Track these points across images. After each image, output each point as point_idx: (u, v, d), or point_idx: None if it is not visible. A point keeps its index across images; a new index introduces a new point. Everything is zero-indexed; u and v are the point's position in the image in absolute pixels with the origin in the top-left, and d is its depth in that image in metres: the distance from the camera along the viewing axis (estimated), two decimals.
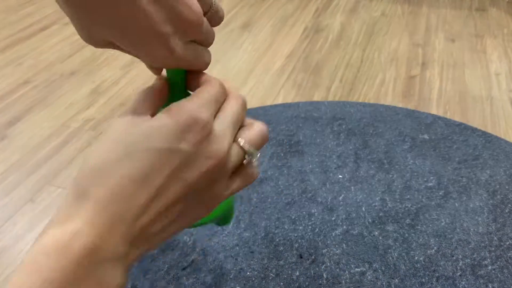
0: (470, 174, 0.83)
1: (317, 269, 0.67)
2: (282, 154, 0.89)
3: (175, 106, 0.26)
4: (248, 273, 0.67)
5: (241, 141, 0.29)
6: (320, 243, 0.71)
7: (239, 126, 0.30)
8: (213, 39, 0.30)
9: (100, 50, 1.33)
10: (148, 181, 0.24)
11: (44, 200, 0.83)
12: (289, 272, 0.67)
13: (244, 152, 0.29)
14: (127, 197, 0.24)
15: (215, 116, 0.28)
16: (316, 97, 1.09)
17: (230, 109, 0.29)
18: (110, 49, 1.23)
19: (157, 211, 0.25)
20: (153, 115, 0.27)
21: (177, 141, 0.25)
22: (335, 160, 0.87)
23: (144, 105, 0.28)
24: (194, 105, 0.26)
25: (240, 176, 0.29)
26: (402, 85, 1.13)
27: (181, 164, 0.25)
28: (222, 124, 0.27)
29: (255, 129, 0.30)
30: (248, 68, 1.23)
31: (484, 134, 0.93)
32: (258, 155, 0.31)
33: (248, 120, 0.31)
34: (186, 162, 0.25)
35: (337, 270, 0.67)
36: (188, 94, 0.30)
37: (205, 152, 0.26)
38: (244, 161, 0.29)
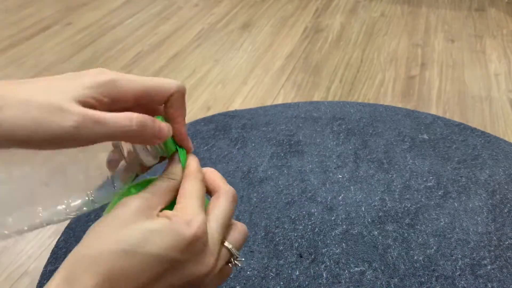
0: (469, 174, 0.83)
1: (316, 268, 0.67)
2: (282, 154, 0.89)
3: (179, 216, 0.27)
4: (248, 272, 0.67)
5: (229, 245, 0.30)
6: (320, 242, 0.71)
7: (230, 223, 0.31)
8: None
9: (100, 50, 1.33)
10: (137, 279, 0.25)
11: None
12: (289, 271, 0.67)
13: (231, 255, 0.30)
14: None
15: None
16: (316, 97, 1.10)
17: (222, 212, 0.30)
18: (111, 50, 1.23)
19: None
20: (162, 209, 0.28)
21: (178, 252, 0.26)
22: (334, 160, 0.87)
23: (155, 199, 0.28)
24: (188, 214, 0.27)
25: (219, 274, 0.30)
26: (401, 85, 1.14)
27: (173, 270, 0.26)
28: (216, 232, 0.29)
29: (240, 231, 0.31)
30: (248, 68, 1.23)
31: (483, 134, 0.93)
32: (243, 261, 0.33)
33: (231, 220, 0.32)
34: (178, 269, 0.27)
35: (337, 269, 0.67)
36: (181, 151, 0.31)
37: (199, 262, 0.27)
38: (230, 264, 0.31)
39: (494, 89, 1.11)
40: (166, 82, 0.29)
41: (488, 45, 1.32)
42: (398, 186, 0.81)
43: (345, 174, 0.84)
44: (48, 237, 0.76)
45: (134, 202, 0.27)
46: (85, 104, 0.25)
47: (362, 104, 1.04)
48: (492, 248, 0.69)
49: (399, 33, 1.40)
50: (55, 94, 0.24)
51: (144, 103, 0.28)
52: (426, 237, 0.71)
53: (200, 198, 0.29)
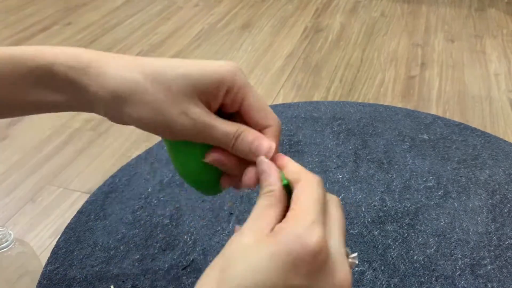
0: (469, 174, 0.83)
1: None
2: None
3: (280, 229, 0.23)
4: None
5: (348, 251, 0.26)
6: None
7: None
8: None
9: (100, 50, 1.33)
10: None
11: (45, 200, 0.84)
12: None
13: (350, 265, 0.26)
14: None
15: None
16: (316, 97, 1.10)
17: (338, 218, 0.26)
18: (111, 50, 1.23)
19: None
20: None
21: (296, 276, 0.22)
22: (334, 160, 0.87)
23: (260, 223, 0.25)
24: (300, 225, 0.23)
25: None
26: (401, 85, 1.14)
27: None
28: (337, 242, 0.24)
29: (338, 223, 0.27)
30: (248, 68, 1.23)
31: (483, 134, 0.93)
32: (356, 254, 0.27)
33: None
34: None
35: None
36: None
37: (329, 283, 0.23)
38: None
39: (494, 89, 1.11)
40: (269, 113, 0.31)
41: (488, 45, 1.32)
42: (398, 186, 0.81)
43: (345, 174, 0.84)
44: (48, 237, 0.76)
45: (243, 239, 0.25)
46: (206, 103, 0.30)
47: (362, 104, 1.04)
48: (492, 248, 0.69)
49: (399, 33, 1.40)
50: (185, 87, 0.29)
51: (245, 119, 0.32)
52: (426, 237, 0.71)
53: (316, 201, 0.25)
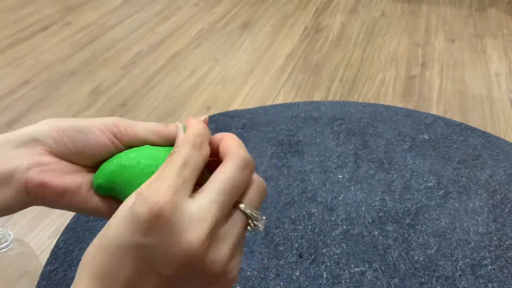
0: (470, 174, 0.83)
1: (317, 269, 0.67)
2: (282, 154, 0.89)
3: (143, 194, 0.23)
4: (248, 273, 0.67)
5: (242, 205, 0.25)
6: (320, 243, 0.71)
7: (239, 191, 0.26)
8: None
9: (100, 50, 1.33)
10: (112, 280, 0.23)
11: None
12: (289, 272, 0.67)
13: (247, 217, 0.26)
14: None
15: (196, 189, 0.25)
16: (316, 97, 1.10)
17: (221, 178, 0.25)
18: (110, 49, 1.22)
19: None
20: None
21: (139, 236, 0.23)
22: (335, 160, 0.87)
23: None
24: (155, 188, 0.23)
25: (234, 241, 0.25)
26: (402, 85, 1.13)
27: (150, 258, 0.23)
28: (207, 200, 0.24)
29: (254, 187, 0.27)
30: (248, 68, 1.23)
31: (484, 134, 0.93)
32: (264, 220, 0.27)
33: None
34: (155, 256, 0.23)
35: (337, 269, 0.67)
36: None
37: (175, 242, 0.23)
38: (249, 228, 0.26)
39: (494, 89, 1.11)
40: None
41: (488, 45, 1.32)
42: (399, 186, 0.81)
43: (345, 174, 0.83)
44: (48, 238, 0.76)
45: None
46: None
47: (363, 104, 1.04)
48: (493, 248, 0.69)
49: (400, 33, 1.40)
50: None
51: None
52: (426, 237, 0.71)
53: (179, 166, 0.24)
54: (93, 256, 0.24)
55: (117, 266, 0.23)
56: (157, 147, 0.30)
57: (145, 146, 0.30)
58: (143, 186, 0.24)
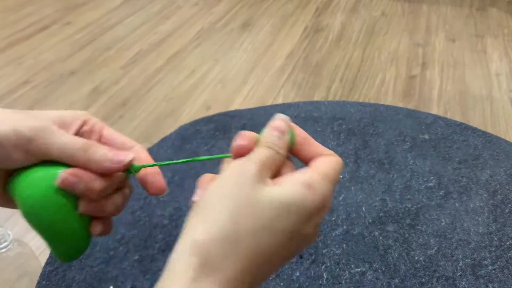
0: (470, 174, 0.83)
1: (317, 269, 0.67)
2: None
3: (309, 180, 0.27)
4: None
5: None
6: (320, 243, 0.71)
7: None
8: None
9: (100, 50, 1.33)
10: (272, 261, 0.25)
11: None
12: (289, 272, 0.66)
13: None
14: (255, 274, 0.24)
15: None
16: (316, 97, 1.09)
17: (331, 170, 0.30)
18: (110, 49, 1.22)
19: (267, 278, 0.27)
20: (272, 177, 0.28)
21: (304, 224, 0.26)
22: None
23: (267, 164, 0.28)
24: (328, 184, 0.28)
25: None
26: (402, 85, 1.13)
27: (301, 242, 0.27)
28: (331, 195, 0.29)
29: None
30: (248, 68, 1.23)
31: (484, 134, 0.93)
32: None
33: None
34: (304, 240, 0.27)
35: (337, 270, 0.67)
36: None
37: (317, 224, 0.28)
38: None
39: (495, 89, 1.11)
40: (130, 141, 0.35)
41: (489, 44, 1.31)
42: (399, 186, 0.80)
43: (346, 174, 0.83)
44: None
45: (251, 167, 0.26)
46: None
47: (363, 104, 1.04)
48: (493, 249, 0.69)
49: (400, 33, 1.40)
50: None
51: None
52: (427, 238, 0.71)
53: (334, 170, 0.30)
54: (253, 241, 0.25)
55: (278, 249, 0.26)
56: (55, 167, 0.29)
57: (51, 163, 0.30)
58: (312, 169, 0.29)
